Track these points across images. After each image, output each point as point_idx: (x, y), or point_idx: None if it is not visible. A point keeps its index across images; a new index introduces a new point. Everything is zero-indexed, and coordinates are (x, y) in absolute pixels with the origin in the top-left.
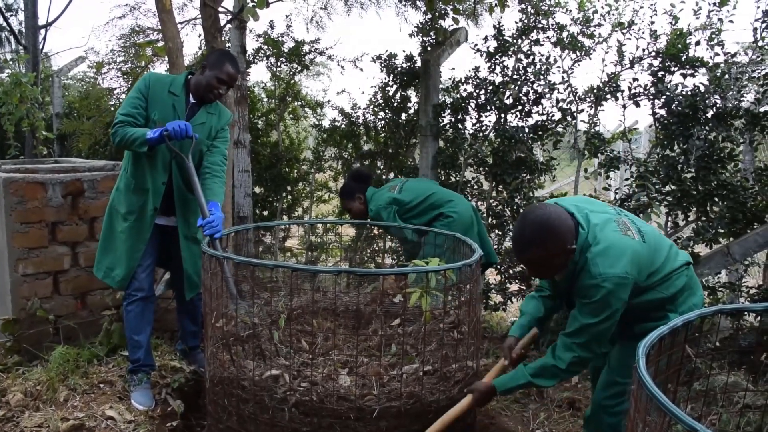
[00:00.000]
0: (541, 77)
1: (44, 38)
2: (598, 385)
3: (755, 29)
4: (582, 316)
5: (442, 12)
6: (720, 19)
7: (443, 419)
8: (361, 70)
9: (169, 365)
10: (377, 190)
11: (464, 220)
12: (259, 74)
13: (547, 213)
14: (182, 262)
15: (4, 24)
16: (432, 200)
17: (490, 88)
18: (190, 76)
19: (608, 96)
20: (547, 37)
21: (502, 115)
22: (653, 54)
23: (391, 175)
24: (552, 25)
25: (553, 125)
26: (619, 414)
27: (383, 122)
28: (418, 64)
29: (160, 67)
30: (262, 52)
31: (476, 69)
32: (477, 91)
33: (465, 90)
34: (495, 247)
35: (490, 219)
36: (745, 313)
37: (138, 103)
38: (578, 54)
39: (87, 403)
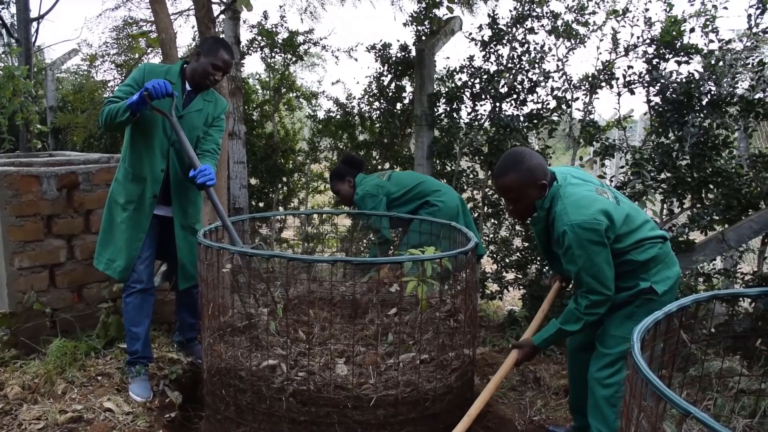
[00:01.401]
0: (536, 66)
1: (36, 31)
2: (591, 361)
3: (749, 16)
4: (570, 266)
5: (437, 1)
6: (714, 6)
7: (495, 378)
8: (356, 60)
9: (166, 357)
10: (366, 176)
11: (450, 210)
12: (253, 65)
13: (524, 149)
14: (177, 252)
15: None
16: (419, 189)
17: (485, 77)
18: (185, 65)
19: (603, 84)
20: (542, 26)
21: (497, 104)
22: (648, 41)
23: (387, 165)
24: (546, 13)
25: (548, 114)
26: (612, 385)
27: (378, 112)
28: (413, 53)
29: (154, 59)
30: (256, 42)
31: (471, 58)
32: (472, 80)
33: (460, 79)
34: (491, 236)
35: (486, 208)
36: (740, 298)
37: (130, 90)
38: (573, 42)
39: (85, 395)
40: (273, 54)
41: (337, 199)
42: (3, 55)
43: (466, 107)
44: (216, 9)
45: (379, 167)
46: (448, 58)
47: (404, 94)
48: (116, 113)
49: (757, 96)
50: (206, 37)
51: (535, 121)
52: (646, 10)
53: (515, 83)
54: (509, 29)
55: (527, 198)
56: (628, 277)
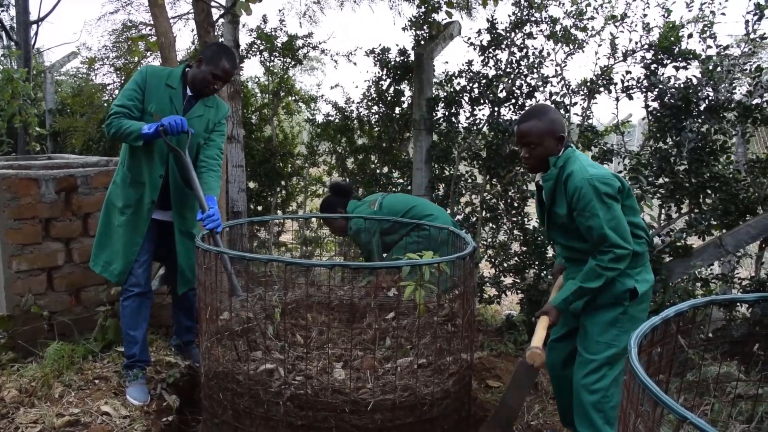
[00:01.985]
0: (535, 70)
1: (36, 34)
2: (575, 367)
3: (747, 21)
4: (590, 221)
5: (436, 5)
6: (712, 12)
7: (539, 333)
8: (355, 64)
9: (164, 360)
10: (359, 203)
11: (443, 234)
12: (252, 69)
13: (548, 105)
14: (176, 257)
15: None
16: (412, 213)
17: (484, 81)
18: (187, 69)
19: (601, 89)
20: (540, 31)
21: (496, 109)
22: (646, 47)
23: (385, 169)
24: (545, 18)
25: None
26: (598, 391)
27: (377, 116)
28: (412, 57)
29: (153, 62)
30: (256, 46)
31: (470, 62)
32: (470, 84)
33: (458, 84)
34: (488, 240)
35: (484, 212)
36: (738, 303)
37: (134, 95)
38: (571, 47)
39: (82, 398)
40: (272, 58)
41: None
42: (2, 58)
43: (464, 112)
44: (215, 13)
45: (378, 171)
46: (446, 62)
47: (403, 99)
48: (127, 135)
49: (754, 101)
50: (210, 43)
51: None
52: (645, 15)
53: (514, 88)
54: (508, 34)
55: (544, 148)
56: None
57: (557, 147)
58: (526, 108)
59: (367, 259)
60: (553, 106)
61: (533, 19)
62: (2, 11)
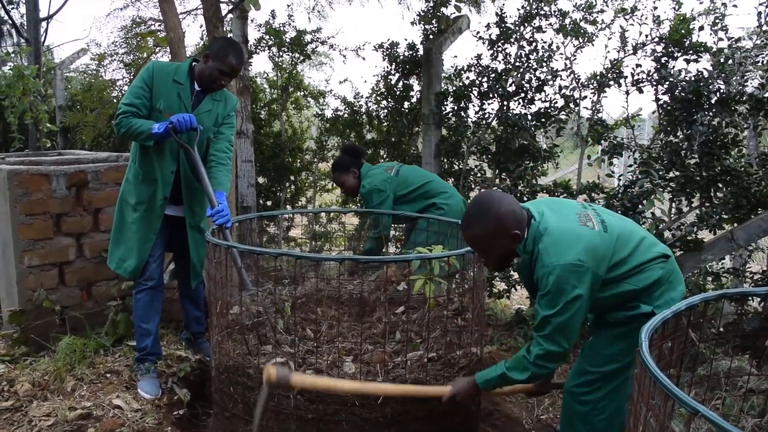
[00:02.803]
0: (544, 64)
1: (46, 31)
2: (570, 372)
3: (759, 13)
4: (542, 309)
5: None
6: (724, 4)
7: (410, 389)
8: (363, 59)
9: (175, 354)
10: (373, 167)
11: (455, 212)
12: (261, 64)
13: (492, 195)
14: (188, 251)
15: (6, 17)
16: (426, 188)
17: (493, 75)
18: (194, 64)
19: (611, 82)
20: (550, 24)
21: (505, 103)
22: (656, 40)
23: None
24: (554, 11)
25: (556, 112)
26: (589, 403)
27: (386, 111)
28: (421, 52)
29: (162, 58)
30: (264, 42)
31: (479, 57)
32: (479, 78)
33: (467, 78)
34: None
35: None
36: (749, 297)
37: (141, 93)
38: (581, 40)
39: (94, 392)
40: (281, 53)
41: (344, 197)
42: (13, 55)
43: (473, 106)
44: (224, 8)
45: None
46: (455, 56)
47: (412, 93)
48: (137, 135)
49: (766, 94)
50: (217, 38)
51: (543, 120)
52: (655, 8)
53: (523, 82)
54: (517, 28)
55: (498, 249)
56: (628, 300)
57: (514, 242)
58: (467, 207)
59: (373, 223)
60: (498, 193)
61: (542, 12)
62: (13, 8)
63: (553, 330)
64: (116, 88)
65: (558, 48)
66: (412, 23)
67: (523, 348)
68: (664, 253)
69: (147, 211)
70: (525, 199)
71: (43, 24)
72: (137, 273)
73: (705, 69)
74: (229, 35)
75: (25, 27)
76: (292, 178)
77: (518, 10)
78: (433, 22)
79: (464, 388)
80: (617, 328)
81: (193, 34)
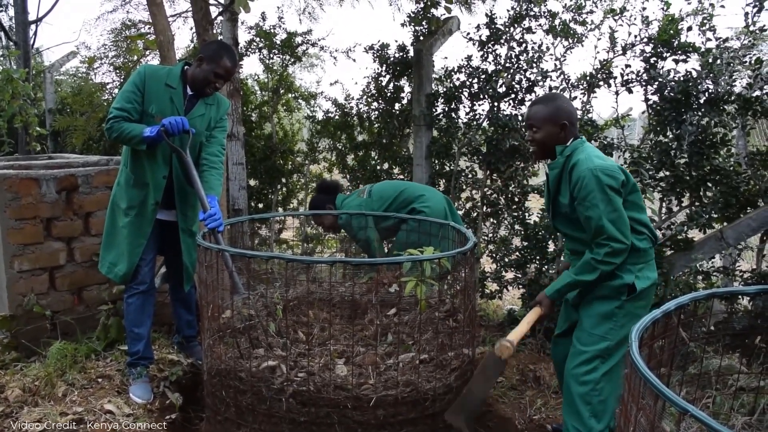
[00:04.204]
0: (534, 65)
1: (35, 34)
2: (568, 357)
3: (746, 14)
4: (589, 211)
5: (435, 1)
6: (711, 4)
7: (521, 326)
8: (354, 60)
9: (167, 358)
10: (346, 197)
11: (437, 213)
12: (251, 66)
13: (562, 95)
14: (180, 255)
15: None
16: (403, 197)
17: (483, 76)
18: (186, 67)
19: (601, 83)
20: (539, 25)
21: (496, 104)
22: (645, 40)
23: (386, 165)
24: (544, 12)
25: None
26: (588, 383)
27: (377, 113)
28: (411, 53)
29: (152, 61)
30: (255, 44)
31: (469, 58)
32: (470, 80)
33: (458, 79)
34: (489, 235)
35: (484, 207)
36: (739, 296)
37: (133, 98)
38: (570, 41)
39: (85, 397)
40: (271, 55)
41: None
42: (1, 58)
43: (464, 107)
44: (214, 11)
45: (378, 168)
46: (446, 58)
47: (402, 95)
48: (129, 140)
49: (754, 94)
50: (210, 41)
51: None
52: (644, 9)
53: (513, 83)
54: (507, 29)
55: (545, 132)
56: (615, 269)
57: (561, 135)
58: (540, 96)
59: (364, 250)
60: (566, 96)
61: (532, 13)
62: (1, 11)
63: (609, 227)
64: (106, 91)
65: (548, 49)
66: (403, 25)
67: (586, 252)
68: (655, 235)
69: (138, 215)
70: (516, 199)
71: (32, 27)
72: (128, 277)
73: (693, 69)
74: (219, 38)
75: (14, 30)
76: (283, 180)
77: (508, 11)
78: (424, 23)
79: (546, 305)
80: (603, 304)
81: (183, 36)
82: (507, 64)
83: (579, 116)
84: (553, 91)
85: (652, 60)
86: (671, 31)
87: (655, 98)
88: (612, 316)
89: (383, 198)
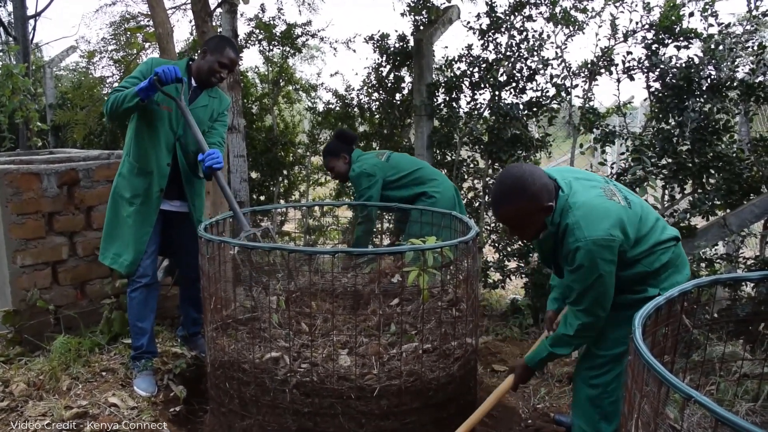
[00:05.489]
0: (535, 53)
1: (34, 28)
2: (579, 357)
3: None
4: (574, 284)
5: None
6: None
7: (489, 400)
8: (354, 51)
9: (170, 351)
10: (364, 153)
11: (446, 200)
12: (251, 59)
13: (521, 170)
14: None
15: None
16: (417, 175)
17: (484, 65)
18: (191, 62)
19: (602, 70)
20: (540, 13)
21: (497, 93)
22: (647, 27)
23: None
24: (544, 0)
25: (548, 101)
26: (599, 386)
27: (377, 103)
28: (411, 43)
29: (152, 54)
30: (254, 36)
31: (469, 47)
32: (470, 69)
33: (458, 68)
34: (492, 225)
35: (486, 197)
36: (743, 283)
37: (137, 82)
38: (571, 29)
39: (90, 391)
40: (271, 47)
41: (338, 189)
42: (1, 54)
43: (465, 96)
44: (213, 2)
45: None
46: (446, 47)
47: (403, 85)
48: (123, 100)
49: (757, 79)
50: (203, 33)
51: (535, 109)
52: None
53: (514, 71)
54: (507, 17)
55: (534, 224)
56: (637, 282)
57: (548, 213)
58: (498, 183)
59: (361, 207)
60: (527, 167)
61: (533, 1)
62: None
63: (589, 303)
64: (106, 85)
65: (549, 37)
66: (403, 14)
67: (561, 324)
68: (675, 236)
69: (143, 204)
70: None
71: (31, 21)
72: (134, 267)
73: (695, 55)
74: (218, 30)
75: (13, 25)
76: (284, 172)
77: None
78: (424, 12)
79: (521, 375)
80: (622, 311)
81: (183, 29)
82: (508, 53)
83: (581, 104)
84: (547, 84)
85: (653, 47)
86: (673, 17)
87: (656, 85)
88: (631, 319)
89: (399, 168)
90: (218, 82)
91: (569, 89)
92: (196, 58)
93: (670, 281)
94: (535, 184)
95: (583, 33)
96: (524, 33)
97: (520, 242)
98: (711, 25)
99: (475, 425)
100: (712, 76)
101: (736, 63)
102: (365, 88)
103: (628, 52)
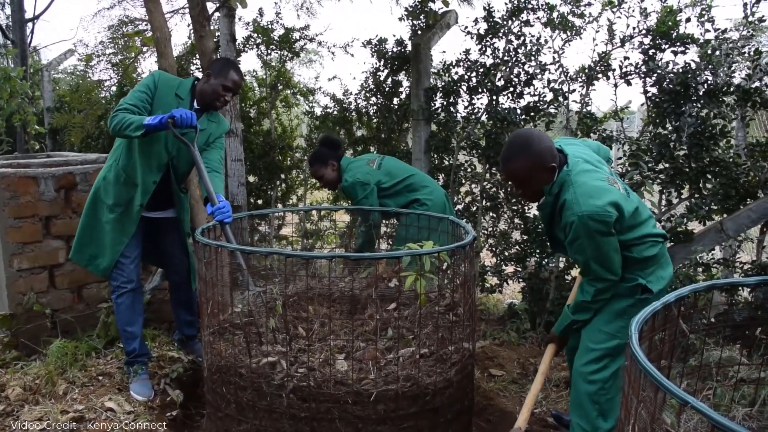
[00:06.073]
0: (532, 58)
1: (32, 32)
2: (576, 354)
3: (745, 4)
4: (577, 255)
5: None
6: None
7: (541, 373)
8: (352, 55)
9: (167, 355)
10: (354, 159)
11: (438, 206)
12: (249, 63)
13: (530, 132)
14: (183, 254)
15: None
16: (410, 182)
17: (482, 70)
18: (196, 82)
19: (600, 75)
20: (537, 18)
21: (494, 97)
22: (644, 32)
23: None
24: (542, 5)
25: (545, 106)
26: (596, 382)
27: (375, 107)
28: (409, 48)
29: (150, 58)
30: (252, 40)
31: (467, 51)
32: (468, 73)
33: (456, 73)
34: (489, 229)
35: (484, 201)
36: (739, 287)
37: (145, 98)
38: (569, 34)
39: (86, 395)
40: (269, 51)
41: (335, 194)
42: None
43: (462, 101)
44: (211, 7)
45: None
46: (444, 52)
47: (401, 89)
48: (128, 126)
49: (754, 85)
50: (216, 59)
51: (532, 114)
52: (642, 0)
53: (512, 76)
54: (505, 22)
55: (536, 183)
56: (627, 271)
57: (550, 176)
58: (508, 142)
59: (363, 219)
60: (536, 131)
61: (530, 6)
62: None
63: (597, 271)
64: (104, 88)
65: (546, 42)
66: (401, 19)
67: (578, 292)
68: (663, 234)
69: (123, 214)
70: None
71: (29, 25)
72: (108, 271)
73: (692, 61)
74: (216, 34)
75: (11, 28)
76: (282, 176)
77: (506, 4)
78: (421, 17)
79: (559, 343)
80: (615, 303)
81: (181, 33)
82: (505, 58)
83: (578, 109)
84: (545, 89)
85: (650, 52)
86: (670, 23)
87: (654, 90)
88: (624, 313)
89: (392, 175)
90: (222, 106)
91: (567, 94)
92: (201, 80)
93: (656, 275)
94: (540, 144)
95: (581, 38)
96: (522, 38)
97: (517, 247)
98: (708, 31)
99: (533, 406)
100: (709, 82)
101: (732, 68)
102: (363, 92)
103: (625, 57)
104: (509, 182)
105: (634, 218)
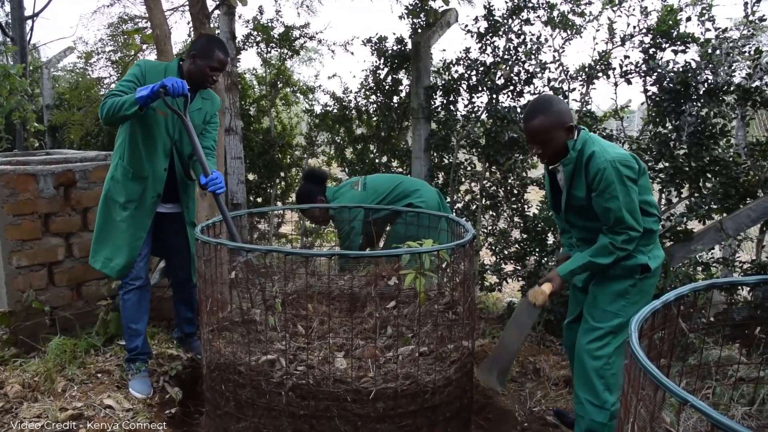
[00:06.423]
0: (532, 57)
1: (31, 29)
2: (579, 333)
3: (746, 3)
4: (610, 203)
5: None
6: None
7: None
8: (352, 54)
9: (166, 353)
10: (338, 188)
11: (432, 207)
12: (249, 61)
13: (552, 96)
14: (188, 249)
15: None
16: (399, 191)
17: (482, 68)
18: (180, 63)
19: (600, 74)
20: (538, 17)
21: (494, 96)
22: (644, 31)
23: (384, 158)
24: (542, 3)
25: None
26: (601, 357)
27: (375, 106)
28: (409, 46)
29: (150, 56)
30: (252, 38)
31: (467, 50)
32: (468, 72)
33: (456, 71)
34: (489, 227)
35: (484, 200)
36: (739, 287)
37: (132, 86)
38: (569, 33)
39: (85, 392)
40: (269, 49)
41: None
42: None
43: (462, 99)
44: (210, 4)
45: (377, 161)
46: (444, 50)
47: (401, 87)
48: (121, 106)
49: (754, 84)
50: (198, 37)
51: None
52: None
53: (512, 75)
54: (505, 21)
55: (556, 141)
56: None
57: (569, 135)
58: (529, 102)
59: (341, 241)
60: (554, 97)
61: (530, 5)
62: None
63: (627, 217)
64: (103, 86)
65: (546, 40)
66: (401, 17)
67: (602, 237)
68: (660, 216)
69: (137, 209)
70: (515, 191)
71: (29, 22)
72: (125, 272)
73: (693, 60)
74: (216, 32)
75: (10, 26)
76: (282, 174)
77: (506, 2)
78: (422, 15)
79: (557, 283)
80: (618, 283)
81: (181, 30)
82: (505, 56)
83: (578, 108)
84: (545, 87)
85: (650, 51)
86: (670, 22)
87: (654, 89)
88: (626, 293)
89: (378, 191)
90: (211, 84)
91: (567, 93)
92: (185, 60)
93: (653, 253)
94: (560, 105)
95: (581, 37)
96: (522, 36)
97: (516, 245)
98: (708, 30)
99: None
100: (709, 81)
101: (732, 67)
102: (363, 90)
103: (626, 56)
104: (530, 142)
105: (644, 180)
